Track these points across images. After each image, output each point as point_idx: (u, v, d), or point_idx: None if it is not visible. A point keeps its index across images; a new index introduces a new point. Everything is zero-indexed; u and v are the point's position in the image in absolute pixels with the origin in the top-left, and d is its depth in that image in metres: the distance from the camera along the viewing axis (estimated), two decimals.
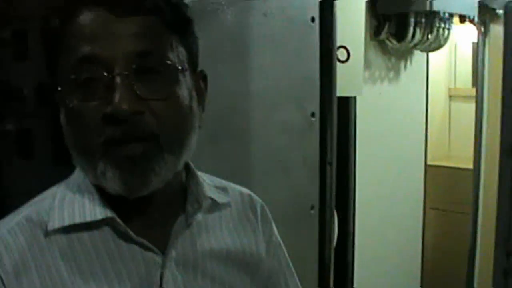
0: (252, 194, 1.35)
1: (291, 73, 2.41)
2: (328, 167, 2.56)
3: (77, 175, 1.14)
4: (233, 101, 2.16)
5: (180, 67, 1.08)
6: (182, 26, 1.12)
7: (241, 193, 1.33)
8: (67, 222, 1.07)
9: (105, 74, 1.02)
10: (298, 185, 2.48)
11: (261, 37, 2.28)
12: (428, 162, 4.32)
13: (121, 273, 1.07)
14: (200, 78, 1.18)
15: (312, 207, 2.52)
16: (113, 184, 1.04)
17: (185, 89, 1.09)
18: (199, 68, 1.18)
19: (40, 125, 2.47)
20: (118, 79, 1.01)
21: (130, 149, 1.03)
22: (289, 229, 2.43)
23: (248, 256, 1.26)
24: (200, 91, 1.17)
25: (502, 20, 4.06)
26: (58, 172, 2.36)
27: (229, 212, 1.27)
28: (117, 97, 1.00)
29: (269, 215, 1.37)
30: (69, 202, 1.10)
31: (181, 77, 1.08)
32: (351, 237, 3.08)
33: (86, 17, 1.04)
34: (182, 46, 1.10)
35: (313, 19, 2.48)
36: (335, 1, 2.54)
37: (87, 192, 1.10)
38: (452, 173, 4.96)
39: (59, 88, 1.05)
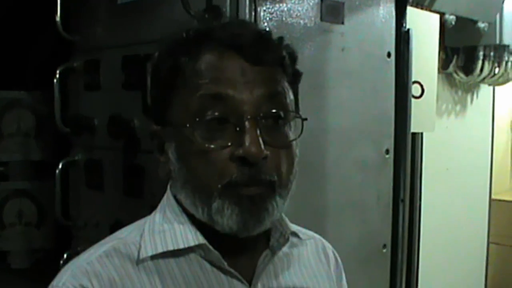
0: (324, 240, 1.38)
1: (367, 108, 2.39)
2: (401, 205, 2.51)
3: (164, 209, 1.16)
4: (310, 137, 2.13)
5: (298, 115, 1.12)
6: (296, 78, 1.17)
7: (314, 237, 1.35)
8: (160, 249, 1.09)
9: (235, 116, 1.04)
10: (371, 223, 2.44)
11: (338, 72, 2.26)
12: (492, 196, 4.23)
13: None
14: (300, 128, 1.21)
15: (385, 246, 2.48)
16: (228, 221, 1.05)
17: (295, 137, 1.12)
18: None
19: (110, 156, 2.47)
20: (248, 123, 1.04)
21: (252, 191, 1.05)
22: (361, 268, 2.40)
23: None
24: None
25: None
26: (126, 203, 2.37)
27: (306, 252, 1.29)
28: (248, 140, 1.03)
29: (340, 262, 1.39)
30: (160, 232, 1.12)
31: (293, 125, 1.12)
32: (416, 275, 3.01)
33: (218, 58, 1.07)
34: (294, 96, 1.14)
35: (389, 54, 2.45)
36: (411, 36, 2.51)
37: (177, 222, 1.12)
38: None
39: (181, 123, 1.07)
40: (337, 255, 1.38)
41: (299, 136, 1.15)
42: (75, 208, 2.68)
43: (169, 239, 1.10)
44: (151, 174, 2.20)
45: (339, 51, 2.26)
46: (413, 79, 2.58)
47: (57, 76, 2.55)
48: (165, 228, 1.12)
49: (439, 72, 3.36)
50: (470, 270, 4.03)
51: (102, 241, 1.15)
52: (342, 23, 2.26)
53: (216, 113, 1.05)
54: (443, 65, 3.57)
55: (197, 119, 1.05)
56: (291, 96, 1.12)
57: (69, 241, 2.70)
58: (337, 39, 2.26)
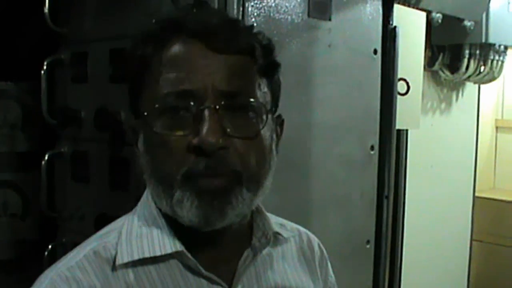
0: (309, 233, 1.36)
1: (353, 105, 2.40)
2: (385, 201, 2.53)
3: (143, 209, 1.14)
4: (295, 133, 2.15)
5: (267, 109, 1.08)
6: (271, 70, 1.13)
7: (299, 231, 1.33)
8: (136, 256, 1.07)
9: (195, 105, 1.03)
10: (355, 219, 2.46)
11: (324, 68, 2.27)
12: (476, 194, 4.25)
13: None
14: (279, 123, 1.19)
15: (368, 242, 2.50)
16: (189, 214, 1.03)
17: (267, 130, 1.09)
18: None
19: (96, 148, 2.47)
20: (207, 112, 1.02)
21: (211, 183, 1.03)
22: (345, 263, 2.41)
23: None
24: (277, 135, 1.18)
25: None
26: (111, 195, 2.38)
27: (290, 248, 1.27)
28: (205, 129, 1.00)
29: (326, 254, 1.38)
30: (137, 236, 1.09)
31: (265, 118, 1.08)
32: (399, 271, 3.03)
33: (181, 47, 1.06)
34: (268, 89, 1.11)
35: (375, 51, 2.47)
36: (398, 34, 2.52)
37: (155, 225, 1.10)
38: (498, 205, 4.88)
39: (145, 114, 1.06)
40: (322, 246, 1.37)
41: (277, 133, 1.15)
42: (60, 200, 2.68)
43: (146, 246, 1.08)
44: (137, 167, 2.20)
45: (326, 48, 2.27)
46: (399, 76, 2.60)
47: (45, 67, 2.54)
48: (143, 232, 1.10)
49: (425, 69, 3.39)
50: (453, 267, 4.06)
51: (84, 243, 1.13)
52: (329, 19, 2.27)
53: (176, 103, 1.03)
54: (429, 63, 3.60)
55: (157, 108, 1.03)
56: (263, 88, 1.09)
57: (54, 232, 2.70)
58: (324, 35, 2.27)
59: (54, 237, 2.65)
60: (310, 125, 2.21)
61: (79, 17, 2.53)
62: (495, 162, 5.23)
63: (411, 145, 3.17)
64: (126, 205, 1.20)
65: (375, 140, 2.49)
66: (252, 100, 1.06)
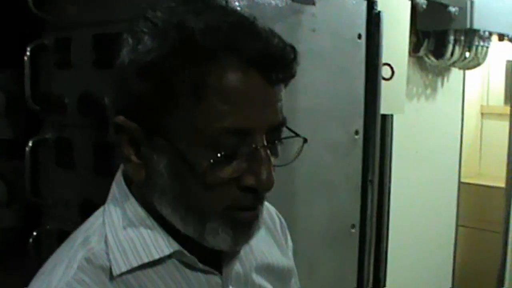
0: (266, 202, 1.33)
1: (337, 89, 2.40)
2: (369, 185, 2.54)
3: (123, 208, 1.07)
4: None
5: (301, 136, 1.08)
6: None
7: (268, 208, 1.32)
8: (134, 263, 1.03)
9: (249, 143, 0.98)
10: (340, 203, 2.47)
11: (308, 53, 2.26)
12: (461, 180, 4.27)
13: None
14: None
15: (353, 226, 2.51)
16: (220, 242, 1.03)
17: (294, 158, 1.10)
18: None
19: (81, 134, 2.46)
20: (263, 153, 0.98)
21: (251, 216, 1.04)
22: (329, 248, 2.42)
23: (282, 268, 1.30)
24: None
25: None
26: (96, 181, 2.37)
27: (263, 228, 1.27)
28: (263, 172, 0.97)
29: (284, 222, 1.38)
30: (128, 240, 1.05)
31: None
32: (384, 255, 3.04)
33: (239, 76, 0.96)
34: None
35: (360, 36, 2.47)
36: (382, 19, 2.52)
37: (143, 226, 1.06)
38: (483, 191, 4.91)
39: (179, 140, 0.98)
40: (280, 216, 1.37)
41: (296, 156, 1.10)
42: (45, 187, 2.67)
43: (141, 250, 1.04)
44: (118, 156, 2.19)
45: (310, 32, 2.27)
46: (383, 61, 2.60)
47: (28, 53, 2.52)
48: (132, 235, 1.05)
49: (410, 55, 3.40)
50: (438, 252, 4.08)
51: (66, 249, 1.08)
52: (313, 4, 2.26)
53: (229, 140, 0.96)
54: (414, 48, 3.61)
55: (210, 151, 0.96)
56: None
57: (39, 219, 2.69)
58: (308, 20, 2.26)
59: (39, 224, 2.64)
60: (294, 110, 2.21)
61: (62, 2, 2.52)
62: (480, 148, 5.26)
63: (396, 131, 3.17)
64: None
65: (359, 124, 2.49)
66: (287, 126, 1.05)
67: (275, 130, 1.01)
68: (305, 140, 1.07)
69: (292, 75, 1.02)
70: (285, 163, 1.05)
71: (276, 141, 1.03)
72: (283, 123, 1.03)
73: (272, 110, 1.00)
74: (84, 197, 2.38)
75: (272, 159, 1.00)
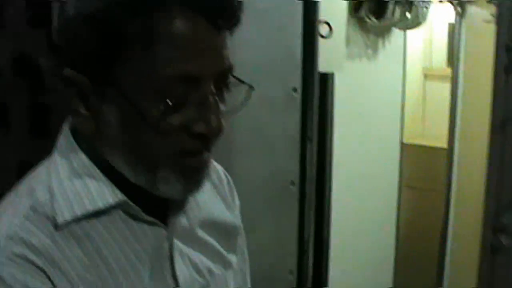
0: (213, 161, 1.34)
1: (274, 46, 2.40)
2: (308, 143, 2.55)
3: (68, 159, 1.07)
4: None
5: (247, 84, 1.09)
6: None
7: (215, 167, 1.33)
8: (79, 212, 1.03)
9: (198, 90, 0.99)
10: (278, 161, 2.48)
11: (245, 10, 2.25)
12: (404, 141, 4.32)
13: (137, 250, 1.08)
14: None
15: (293, 183, 2.52)
16: (172, 189, 1.05)
17: (242, 105, 1.11)
18: None
19: (16, 95, 2.43)
20: (211, 98, 0.99)
21: (199, 161, 1.05)
22: (269, 204, 2.44)
23: (227, 225, 1.30)
24: None
25: (479, 1, 4.05)
26: (32, 143, 2.34)
27: (209, 183, 1.28)
28: (214, 119, 0.99)
29: (232, 182, 1.39)
30: (72, 190, 1.05)
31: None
32: (328, 213, 3.07)
33: (186, 24, 0.97)
34: None
35: None
36: None
37: (88, 176, 1.06)
38: (426, 151, 4.99)
39: (127, 89, 0.98)
40: (228, 175, 1.38)
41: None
42: None
43: (86, 199, 1.04)
44: (58, 114, 2.17)
45: None
46: (321, 19, 2.60)
47: None
48: (77, 185, 1.05)
49: (351, 16, 3.41)
50: (381, 212, 4.14)
51: (11, 199, 1.07)
52: None
53: (178, 87, 0.97)
54: (355, 8, 3.61)
55: (154, 90, 0.97)
56: None
57: None
58: None
59: None
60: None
61: None
62: (424, 109, 5.32)
63: (338, 92, 3.18)
64: (47, 152, 1.15)
65: (297, 82, 2.50)
66: (232, 74, 1.05)
67: (223, 77, 1.02)
68: (250, 87, 1.08)
69: (238, 22, 1.03)
70: (232, 110, 1.06)
71: (224, 88, 1.04)
72: (230, 69, 1.03)
73: (219, 57, 1.01)
74: (19, 159, 2.35)
75: (221, 106, 1.01)
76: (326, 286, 2.96)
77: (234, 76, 1.06)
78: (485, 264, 2.70)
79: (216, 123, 0.99)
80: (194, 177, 1.06)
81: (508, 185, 2.55)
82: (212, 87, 0.99)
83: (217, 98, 1.00)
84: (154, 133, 0.99)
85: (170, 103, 0.97)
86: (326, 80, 2.90)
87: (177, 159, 1.02)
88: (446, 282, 4.71)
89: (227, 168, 1.38)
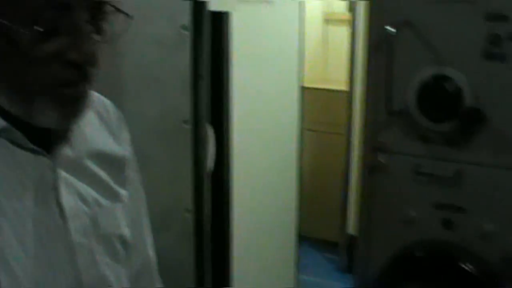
0: (101, 96, 1.37)
1: None
2: (200, 81, 2.54)
3: None
4: None
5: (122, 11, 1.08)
6: None
7: (103, 101, 1.35)
8: None
9: (72, 19, 0.99)
10: (169, 99, 2.48)
11: None
12: (305, 85, 4.36)
13: (21, 177, 1.08)
14: None
15: (186, 122, 2.52)
16: (48, 120, 1.05)
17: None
18: None
19: None
20: (86, 28, 1.00)
21: (77, 91, 1.05)
22: (161, 142, 2.44)
23: (115, 156, 1.32)
24: None
25: None
26: None
27: (94, 114, 1.29)
28: (88, 48, 1.00)
29: (122, 115, 1.41)
30: None
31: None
32: (227, 152, 3.07)
33: None
34: None
35: None
36: None
37: None
38: (327, 95, 5.07)
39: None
40: (117, 109, 1.39)
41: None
42: None
43: None
44: None
45: None
46: None
47: None
48: None
49: None
50: (283, 155, 4.15)
51: None
52: None
53: (54, 21, 0.98)
54: None
55: (31, 26, 0.96)
56: None
57: None
58: None
59: None
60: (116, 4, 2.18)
61: None
62: (325, 54, 5.39)
63: (236, 34, 3.16)
64: None
65: (187, 19, 2.47)
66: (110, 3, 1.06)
67: (99, 5, 1.02)
68: (129, 17, 1.08)
69: None
70: (108, 39, 1.06)
71: (100, 17, 1.04)
72: None
73: None
74: None
75: (96, 36, 1.02)
76: (228, 226, 2.98)
77: (110, 5, 1.06)
78: (365, 182, 2.79)
79: (90, 51, 1.00)
80: (70, 107, 1.06)
81: (384, 104, 2.63)
82: (87, 15, 1.00)
83: (92, 27, 1.01)
84: (27, 62, 0.99)
85: (41, 30, 0.96)
86: (220, 19, 2.88)
87: (52, 89, 1.02)
88: (350, 222, 4.84)
89: (117, 106, 1.38)
